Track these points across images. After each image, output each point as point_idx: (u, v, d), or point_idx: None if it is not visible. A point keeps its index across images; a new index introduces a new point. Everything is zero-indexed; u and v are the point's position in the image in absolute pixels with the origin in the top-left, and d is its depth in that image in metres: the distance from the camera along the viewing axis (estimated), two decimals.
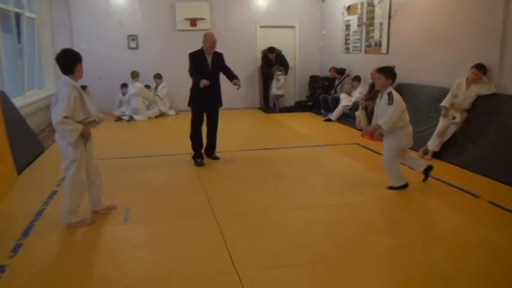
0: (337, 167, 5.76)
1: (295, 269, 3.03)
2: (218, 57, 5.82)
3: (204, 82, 5.42)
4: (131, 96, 9.59)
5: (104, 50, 10.24)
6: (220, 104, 5.99)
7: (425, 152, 6.02)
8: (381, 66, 4.71)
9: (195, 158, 5.87)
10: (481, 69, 5.68)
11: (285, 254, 3.27)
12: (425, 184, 4.92)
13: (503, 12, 5.50)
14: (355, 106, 8.45)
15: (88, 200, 4.01)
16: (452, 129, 5.89)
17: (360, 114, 8.03)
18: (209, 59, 5.72)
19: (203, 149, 5.98)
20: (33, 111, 7.56)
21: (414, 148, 6.33)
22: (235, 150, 6.56)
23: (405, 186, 4.66)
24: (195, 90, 5.70)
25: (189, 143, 5.93)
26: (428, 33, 7.03)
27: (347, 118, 8.94)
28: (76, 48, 10.05)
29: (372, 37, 8.75)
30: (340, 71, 9.77)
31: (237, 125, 8.95)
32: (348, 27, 9.88)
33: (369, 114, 7.86)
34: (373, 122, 4.77)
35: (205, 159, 5.91)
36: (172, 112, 10.22)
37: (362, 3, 9.09)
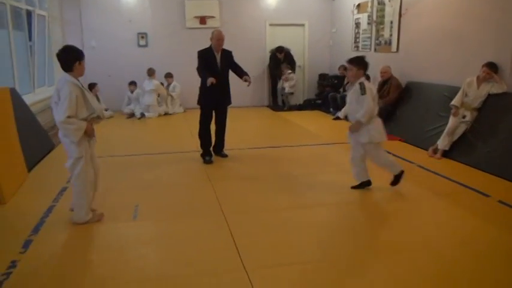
0: (346, 165, 5.71)
1: (304, 267, 3.03)
2: (227, 55, 5.82)
3: (210, 80, 5.42)
4: (146, 93, 9.65)
5: (114, 47, 10.30)
6: (229, 102, 5.99)
7: (435, 151, 5.98)
8: (351, 57, 4.49)
9: (203, 155, 5.88)
10: (492, 68, 5.63)
11: (293, 251, 3.27)
12: (434, 183, 4.89)
13: None
14: None
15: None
16: (462, 128, 5.85)
17: None
18: (218, 56, 5.72)
19: (212, 147, 5.99)
20: (43, 109, 7.62)
21: (424, 147, 6.33)
22: (243, 148, 6.56)
23: (402, 173, 4.56)
24: (203, 88, 5.71)
25: (198, 141, 5.94)
26: (438, 31, 6.98)
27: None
28: (86, 46, 10.20)
29: (382, 35, 8.70)
30: None
31: (246, 123, 8.96)
32: (357, 25, 9.83)
33: (378, 113, 7.81)
34: (345, 110, 4.64)
35: (214, 157, 5.93)
36: (181, 109, 10.27)
37: (372, 1, 9.04)
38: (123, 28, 10.32)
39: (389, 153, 6.18)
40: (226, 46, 5.81)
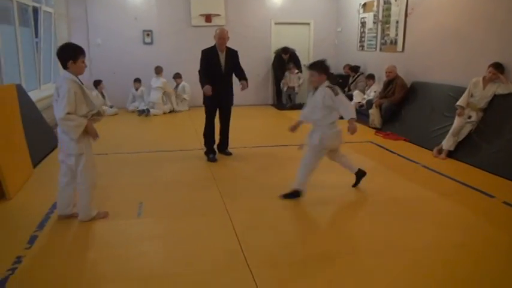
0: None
1: (308, 265, 3.03)
2: (232, 55, 5.74)
3: (207, 90, 5.39)
4: (152, 90, 9.68)
5: (119, 45, 10.31)
6: (232, 103, 5.98)
7: (440, 151, 5.97)
8: (311, 62, 4.35)
9: (207, 153, 5.89)
10: (498, 68, 5.60)
11: (298, 250, 3.28)
12: (439, 183, 4.88)
13: None
14: (369, 104, 8.39)
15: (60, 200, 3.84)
16: (467, 129, 5.83)
17: (373, 112, 7.97)
18: (222, 55, 5.65)
19: (216, 145, 6.00)
20: (48, 105, 7.63)
21: (429, 147, 6.31)
22: (247, 146, 6.57)
23: (299, 194, 4.30)
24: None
25: (202, 139, 5.95)
26: (444, 31, 6.95)
27: (360, 116, 8.80)
28: (92, 44, 10.21)
29: (388, 35, 8.68)
30: (355, 69, 9.72)
31: (250, 121, 8.95)
32: (363, 24, 9.80)
33: (383, 113, 7.81)
34: (304, 114, 4.57)
35: (218, 155, 5.93)
36: (185, 107, 10.29)
37: (378, 1, 9.01)
38: (129, 25, 10.33)
39: (394, 153, 6.20)
40: (231, 45, 5.77)
